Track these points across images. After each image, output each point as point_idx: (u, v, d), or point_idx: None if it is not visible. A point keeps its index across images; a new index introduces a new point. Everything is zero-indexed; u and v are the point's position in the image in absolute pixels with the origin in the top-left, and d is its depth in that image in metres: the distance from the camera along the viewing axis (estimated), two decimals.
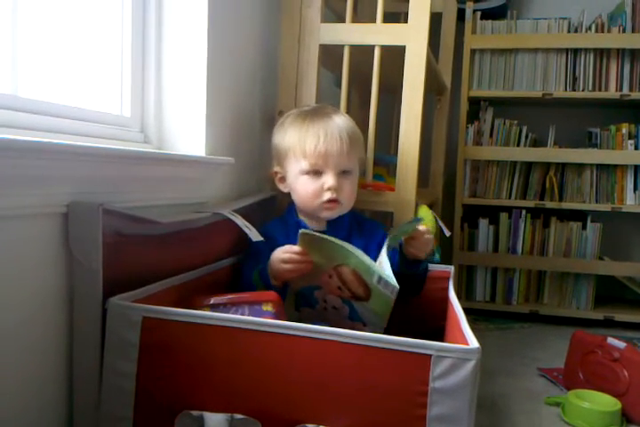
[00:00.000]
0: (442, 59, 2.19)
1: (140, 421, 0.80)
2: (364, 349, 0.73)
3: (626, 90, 2.37)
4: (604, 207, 2.40)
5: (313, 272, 1.07)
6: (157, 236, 0.95)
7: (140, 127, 1.21)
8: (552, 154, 2.42)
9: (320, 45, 1.41)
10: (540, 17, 2.46)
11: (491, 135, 2.51)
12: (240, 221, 1.14)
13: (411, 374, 0.72)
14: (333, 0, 1.60)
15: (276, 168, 1.25)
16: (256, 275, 1.11)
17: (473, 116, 2.53)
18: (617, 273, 2.43)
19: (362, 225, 1.28)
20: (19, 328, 0.77)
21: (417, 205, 1.40)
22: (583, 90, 2.40)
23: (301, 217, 1.24)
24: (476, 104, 2.53)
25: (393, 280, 1.01)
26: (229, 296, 0.97)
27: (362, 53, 1.42)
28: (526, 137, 2.50)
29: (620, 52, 2.37)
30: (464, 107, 2.46)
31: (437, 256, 1.42)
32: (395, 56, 1.38)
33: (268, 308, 0.95)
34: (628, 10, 2.33)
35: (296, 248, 1.05)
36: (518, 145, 2.50)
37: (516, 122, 2.50)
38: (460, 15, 2.34)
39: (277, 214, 1.34)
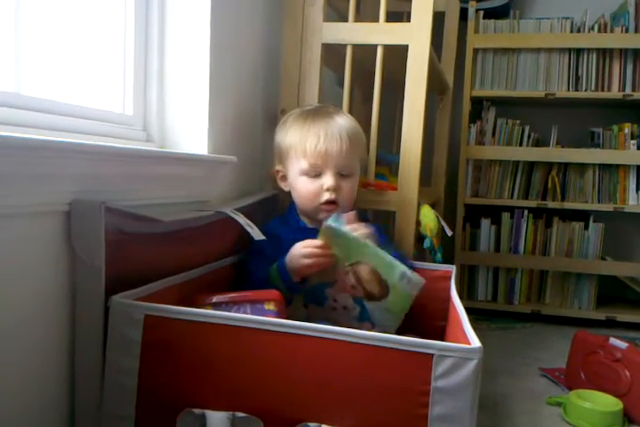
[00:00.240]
0: (444, 58, 2.19)
1: (142, 419, 0.80)
2: (366, 348, 0.73)
3: (628, 90, 2.37)
4: (607, 207, 2.39)
5: (330, 268, 1.07)
6: (159, 234, 0.95)
7: (142, 125, 1.21)
8: (554, 154, 2.42)
9: (322, 44, 1.41)
10: (543, 17, 2.46)
11: (493, 135, 2.51)
12: (242, 220, 1.14)
13: (412, 374, 0.72)
14: None
15: (278, 167, 1.25)
16: (274, 272, 1.11)
17: (475, 115, 2.53)
18: (619, 273, 2.42)
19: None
20: (21, 326, 0.77)
21: (419, 205, 1.40)
22: (586, 90, 2.40)
23: (301, 217, 1.25)
24: (478, 104, 2.52)
25: (417, 275, 1.02)
26: (231, 295, 0.97)
27: (364, 52, 1.42)
28: (529, 137, 2.49)
29: (623, 52, 2.37)
30: (466, 106, 2.45)
31: (439, 256, 1.42)
32: (397, 54, 1.38)
33: (270, 307, 0.95)
34: (631, 10, 2.32)
35: (317, 242, 1.05)
36: (521, 145, 2.50)
37: (518, 122, 2.50)
38: (463, 14, 2.34)
39: (279, 213, 1.34)
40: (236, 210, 1.16)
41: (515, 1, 2.55)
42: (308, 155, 1.15)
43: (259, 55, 1.48)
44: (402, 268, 1.03)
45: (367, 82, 1.57)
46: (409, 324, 1.13)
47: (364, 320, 1.13)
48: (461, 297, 1.04)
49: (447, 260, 1.66)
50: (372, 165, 1.43)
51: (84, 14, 1.04)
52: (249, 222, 1.15)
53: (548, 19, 2.42)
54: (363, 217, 1.31)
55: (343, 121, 1.19)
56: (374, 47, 1.39)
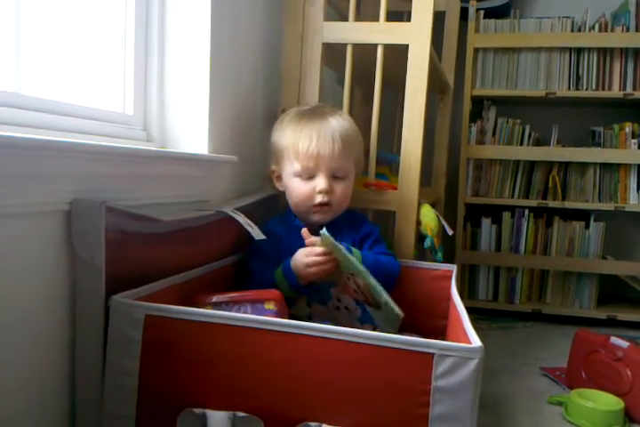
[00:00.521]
0: (445, 58, 2.19)
1: (143, 418, 0.80)
2: (367, 347, 0.73)
3: (629, 89, 2.36)
4: (607, 206, 2.39)
5: (336, 269, 1.07)
6: (160, 234, 0.95)
7: (142, 125, 1.21)
8: (555, 153, 2.42)
9: (323, 44, 1.41)
10: (544, 16, 2.46)
11: (493, 134, 2.51)
12: (242, 220, 1.14)
13: (413, 373, 0.72)
14: None
15: (274, 166, 1.25)
16: (279, 275, 1.11)
17: (476, 115, 2.53)
18: (620, 272, 2.42)
19: (353, 222, 1.27)
20: (21, 326, 0.77)
21: (419, 204, 1.40)
22: (586, 89, 2.40)
23: (297, 217, 1.24)
24: (478, 103, 2.52)
25: (397, 309, 1.03)
26: (232, 295, 0.97)
27: (365, 51, 1.42)
28: (529, 136, 2.49)
29: (624, 52, 2.37)
30: (467, 106, 2.45)
31: (440, 255, 1.42)
32: (398, 54, 1.38)
33: (271, 306, 0.95)
34: (632, 9, 2.32)
35: (318, 250, 1.05)
36: (521, 144, 2.50)
37: (519, 121, 2.50)
38: (464, 14, 2.34)
39: (280, 212, 1.34)
40: (236, 209, 1.16)
41: (515, 0, 2.55)
42: (301, 157, 1.15)
43: (259, 55, 1.48)
44: (385, 297, 1.04)
45: (367, 81, 1.57)
46: (409, 323, 1.13)
47: (366, 322, 1.13)
48: (462, 296, 1.04)
49: (448, 259, 1.66)
50: (372, 165, 1.43)
51: (84, 14, 1.04)
52: (249, 222, 1.15)
53: (549, 18, 2.42)
54: (358, 217, 1.31)
55: (337, 122, 1.18)
56: (375, 47, 1.39)
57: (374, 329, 1.10)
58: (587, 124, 2.54)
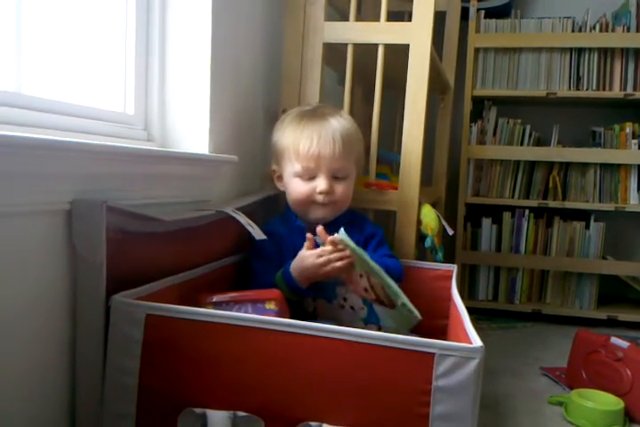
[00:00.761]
0: (445, 57, 2.19)
1: (143, 418, 0.80)
2: (368, 347, 0.73)
3: (630, 89, 2.36)
4: (608, 207, 2.39)
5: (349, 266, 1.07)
6: (160, 233, 0.95)
7: (143, 125, 1.21)
8: (555, 153, 2.42)
9: (324, 44, 1.41)
10: (544, 16, 2.46)
11: (494, 134, 2.51)
12: (243, 220, 1.14)
13: (414, 373, 0.72)
14: None
15: (274, 166, 1.26)
16: (279, 279, 1.11)
17: (476, 115, 2.53)
18: (620, 273, 2.42)
19: (355, 222, 1.27)
20: (22, 325, 0.77)
21: (420, 204, 1.40)
22: (587, 89, 2.40)
23: (298, 217, 1.24)
24: (479, 103, 2.52)
25: (416, 311, 1.03)
26: (232, 294, 0.97)
27: (366, 51, 1.42)
28: (530, 136, 2.49)
29: (625, 52, 2.37)
30: (467, 106, 2.45)
31: (440, 255, 1.42)
32: (399, 54, 1.38)
33: (271, 306, 0.95)
34: (633, 9, 2.32)
35: (328, 248, 1.04)
36: (522, 144, 2.50)
37: (519, 121, 2.50)
38: (464, 14, 2.34)
39: (280, 212, 1.34)
40: (236, 209, 1.16)
41: (516, 0, 2.55)
42: (301, 158, 1.15)
43: (260, 55, 1.48)
44: (403, 299, 1.04)
45: (368, 81, 1.57)
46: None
47: (370, 323, 1.13)
48: (462, 296, 1.04)
49: (448, 259, 1.66)
50: (372, 165, 1.43)
51: (85, 13, 1.04)
52: (250, 222, 1.15)
53: (550, 18, 2.42)
54: (359, 218, 1.31)
55: (337, 123, 1.18)
56: (375, 46, 1.39)
57: (378, 330, 1.10)
58: (587, 124, 2.54)
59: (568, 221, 2.46)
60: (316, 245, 1.09)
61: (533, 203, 2.45)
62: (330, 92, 1.63)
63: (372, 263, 1.03)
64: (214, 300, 0.95)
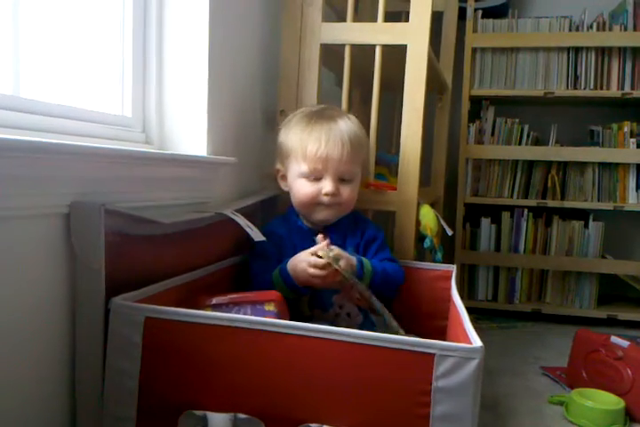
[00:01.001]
0: (443, 58, 2.19)
1: (143, 420, 0.80)
2: (368, 348, 0.73)
3: (627, 88, 2.37)
4: (606, 206, 2.39)
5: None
6: (159, 236, 0.95)
7: (141, 127, 1.21)
8: (554, 152, 2.42)
9: (321, 45, 1.41)
10: (542, 15, 2.46)
11: (492, 134, 2.51)
12: (242, 221, 1.14)
13: (414, 374, 0.72)
14: None
15: (279, 166, 1.25)
16: (276, 276, 1.11)
17: (474, 114, 2.53)
18: (620, 272, 2.42)
19: (357, 225, 1.27)
20: (22, 328, 0.77)
21: (419, 205, 1.40)
22: (585, 88, 2.40)
23: (300, 217, 1.24)
24: (477, 103, 2.52)
25: (400, 329, 1.03)
26: (231, 296, 0.97)
27: (363, 52, 1.42)
28: (528, 136, 2.49)
29: (622, 51, 2.37)
30: (465, 106, 2.45)
31: (439, 255, 1.42)
32: (396, 54, 1.38)
33: (271, 307, 0.95)
34: (630, 8, 2.33)
35: (321, 263, 1.04)
36: (520, 144, 2.50)
37: (517, 120, 2.50)
38: (462, 14, 2.34)
39: (280, 213, 1.34)
40: (235, 211, 1.16)
41: (513, 0, 2.55)
42: (309, 159, 1.15)
43: (257, 56, 1.48)
44: (386, 316, 1.04)
45: (366, 82, 1.57)
46: (410, 324, 1.13)
47: (366, 329, 1.13)
48: (462, 297, 1.04)
49: (447, 259, 1.66)
50: (371, 166, 1.43)
51: (82, 16, 1.04)
52: (249, 223, 1.15)
53: (547, 17, 2.42)
54: (361, 220, 1.31)
55: (346, 126, 1.18)
56: (373, 47, 1.39)
57: None
58: (585, 123, 2.54)
59: (567, 220, 2.47)
60: None
61: (532, 202, 2.45)
62: (327, 94, 1.63)
63: (361, 285, 1.05)
64: (213, 302, 0.95)
